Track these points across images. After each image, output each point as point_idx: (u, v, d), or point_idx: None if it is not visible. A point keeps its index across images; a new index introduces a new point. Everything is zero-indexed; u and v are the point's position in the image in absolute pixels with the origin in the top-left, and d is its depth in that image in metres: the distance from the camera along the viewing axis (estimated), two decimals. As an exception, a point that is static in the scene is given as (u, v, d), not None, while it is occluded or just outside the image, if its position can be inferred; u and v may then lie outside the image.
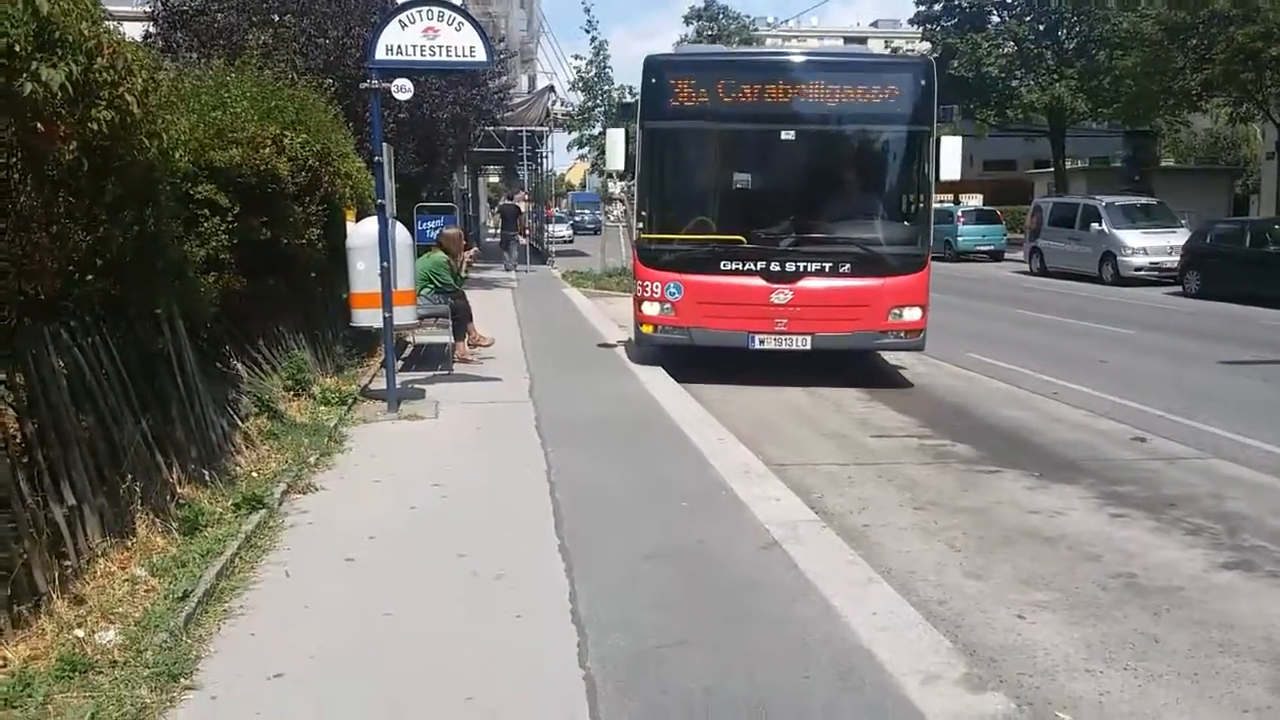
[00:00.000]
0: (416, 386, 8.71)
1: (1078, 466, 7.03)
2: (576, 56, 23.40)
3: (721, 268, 9.47)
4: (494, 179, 49.81)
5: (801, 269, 9.42)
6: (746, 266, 9.44)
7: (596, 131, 24.63)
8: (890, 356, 11.03)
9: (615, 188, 25.95)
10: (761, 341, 9.49)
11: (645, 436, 7.22)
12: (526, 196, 29.81)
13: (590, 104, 23.03)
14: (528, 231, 31.52)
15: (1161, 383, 10.24)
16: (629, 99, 25.90)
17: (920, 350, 10.09)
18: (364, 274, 7.76)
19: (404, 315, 7.97)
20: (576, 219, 57.73)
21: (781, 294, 9.39)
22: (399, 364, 8.99)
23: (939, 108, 9.64)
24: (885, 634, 3.85)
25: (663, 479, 6.10)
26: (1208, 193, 32.68)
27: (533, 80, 26.95)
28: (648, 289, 9.71)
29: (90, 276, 4.28)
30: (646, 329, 9.82)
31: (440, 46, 7.29)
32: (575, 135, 24.11)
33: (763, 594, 4.28)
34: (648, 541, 4.90)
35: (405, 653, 3.69)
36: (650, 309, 9.74)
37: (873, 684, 3.47)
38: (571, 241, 41.33)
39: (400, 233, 7.90)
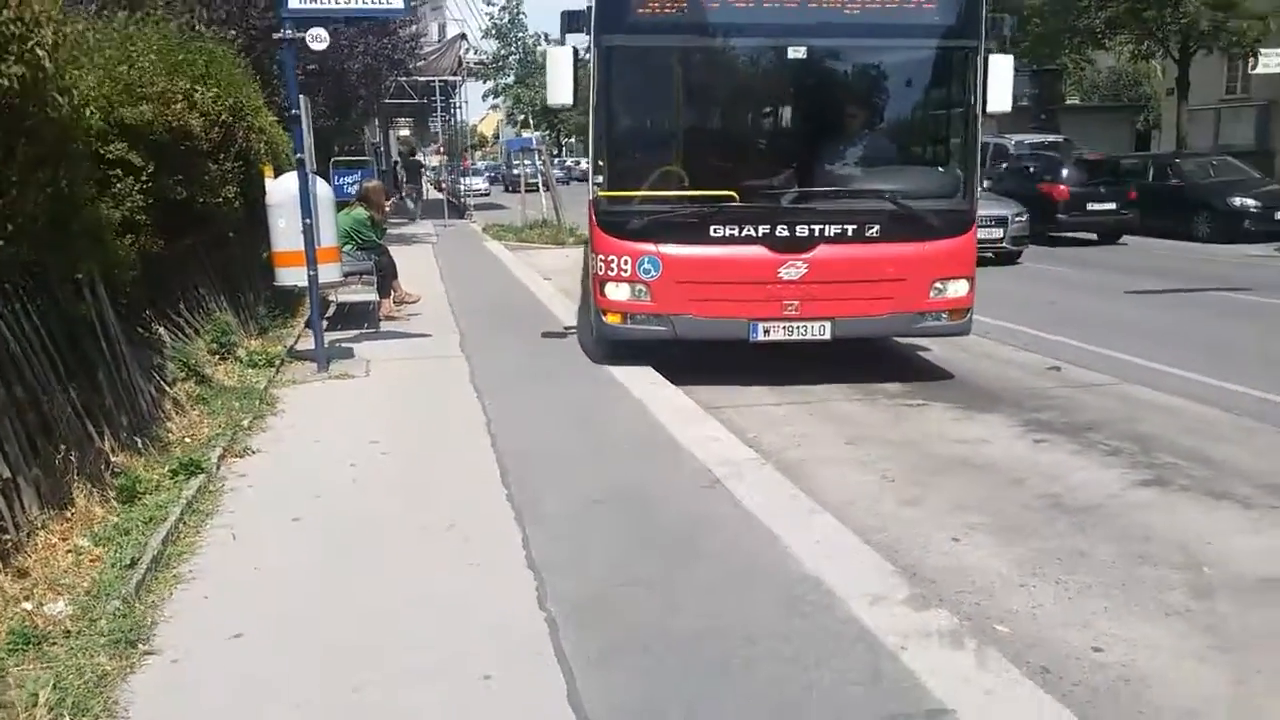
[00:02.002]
0: (344, 346, 8.61)
1: (999, 397, 7.29)
2: (489, 2, 22.90)
3: (712, 235, 7.16)
4: (404, 131, 48.80)
5: (817, 233, 7.15)
6: (745, 232, 7.14)
7: (511, 80, 24.30)
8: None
9: (532, 135, 25.52)
10: (767, 331, 7.25)
11: (580, 382, 7.28)
12: (442, 149, 29.33)
13: (505, 52, 22.64)
14: (444, 185, 31.14)
15: (1073, 313, 10.62)
16: (545, 45, 25.64)
17: (966, 334, 7.90)
18: (285, 231, 7.58)
19: (329, 273, 7.84)
20: (514, 172, 51.60)
21: (792, 267, 7.14)
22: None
23: (988, 15, 7.28)
24: (830, 561, 4.00)
25: (602, 424, 6.16)
26: (1111, 129, 33.66)
27: (443, 28, 26.35)
28: (613, 266, 7.27)
29: (2, 242, 4.13)
30: (613, 319, 7.42)
31: (355, -5, 7.11)
32: (490, 85, 23.72)
33: (709, 530, 4.39)
34: (593, 486, 4.96)
35: (364, 606, 3.70)
36: (617, 292, 7.33)
37: (822, 608, 3.61)
38: (488, 194, 40.73)
39: (321, 188, 7.74)
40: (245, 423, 5.99)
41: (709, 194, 7.22)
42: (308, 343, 8.64)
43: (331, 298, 10.14)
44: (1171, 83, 29.97)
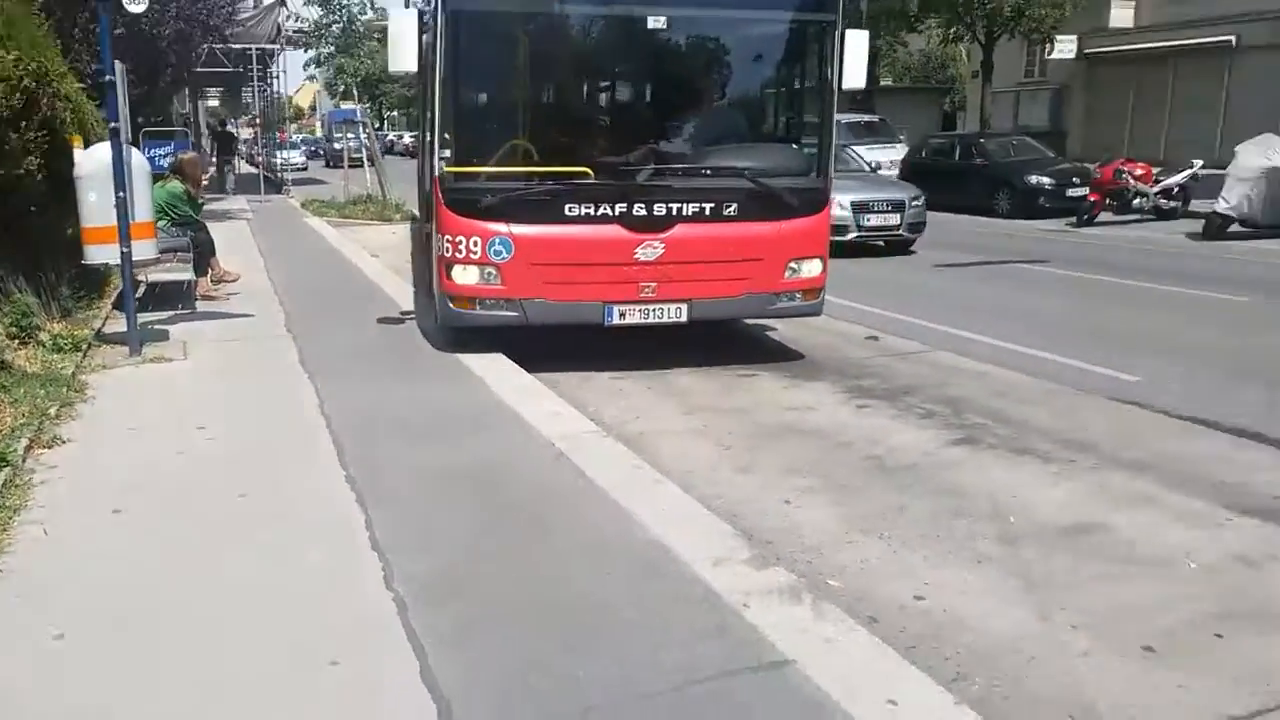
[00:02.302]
0: (158, 328, 8.15)
1: (823, 366, 7.63)
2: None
3: (566, 214, 6.83)
4: (214, 102, 46.22)
5: (675, 212, 6.92)
6: (601, 211, 6.85)
7: (332, 50, 23.38)
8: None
9: (355, 108, 24.63)
10: (623, 314, 7.00)
11: (415, 359, 7.17)
12: (259, 120, 27.99)
13: (327, 20, 21.73)
14: (260, 159, 29.81)
15: (884, 286, 11.20)
16: (370, 13, 24.75)
17: (818, 315, 7.86)
18: (96, 206, 7.09)
19: (144, 250, 7.37)
20: (334, 146, 43.63)
21: (650, 247, 6.89)
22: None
23: None
24: (675, 528, 4.12)
25: (440, 401, 6.10)
26: (921, 110, 35.44)
27: (258, -8, 25.00)
28: (461, 248, 6.85)
29: None
30: (460, 305, 7.00)
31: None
32: (312, 54, 22.76)
33: (556, 503, 4.44)
34: (436, 464, 4.92)
35: (199, 601, 3.56)
36: (465, 276, 6.91)
37: (671, 572, 3.73)
38: (306, 169, 39.12)
39: (137, 159, 7.27)
40: (52, 411, 5.60)
41: (563, 171, 6.87)
42: (116, 325, 8.14)
43: (141, 277, 9.56)
44: (976, 66, 31.83)
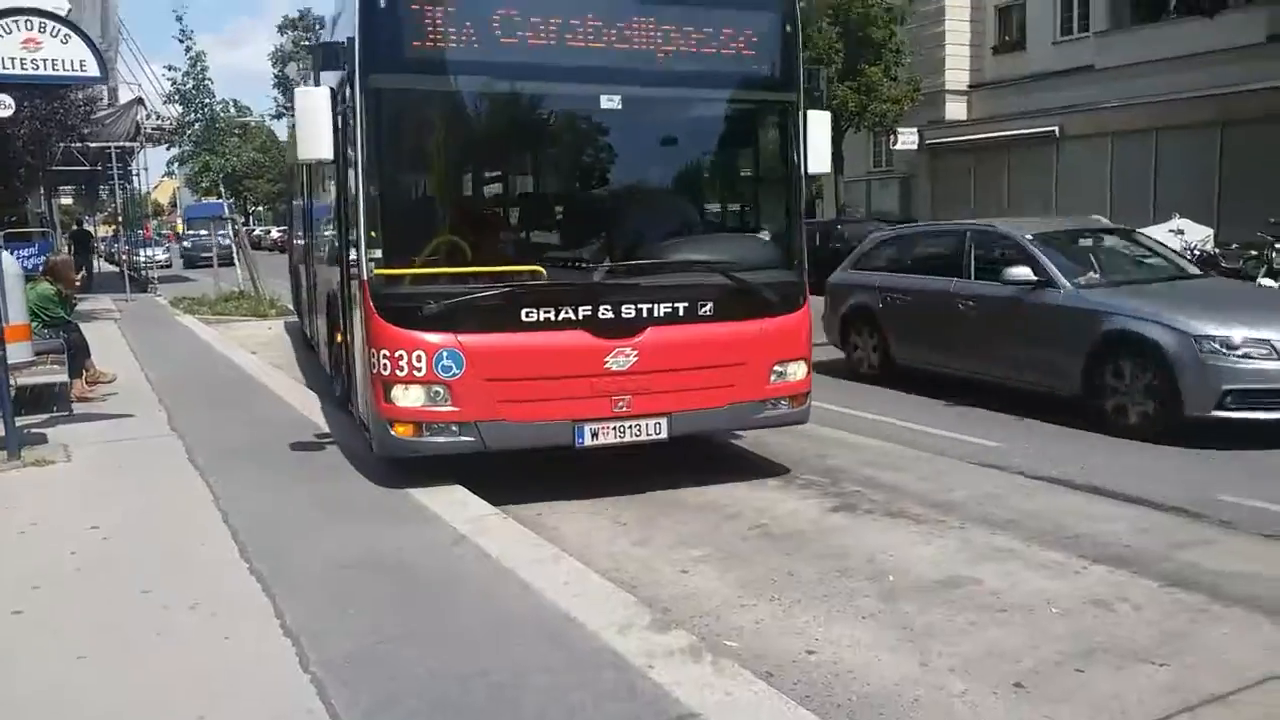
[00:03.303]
0: (35, 431, 7.96)
1: (710, 442, 7.96)
2: (169, 67, 21.80)
3: (524, 319, 5.98)
4: (66, 200, 44.86)
5: (646, 313, 6.18)
6: (563, 315, 6.02)
7: (190, 148, 23.13)
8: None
9: (222, 202, 24.31)
10: (595, 434, 6.14)
11: (305, 453, 7.18)
12: (120, 218, 27.33)
13: (190, 118, 21.59)
14: (122, 257, 29.09)
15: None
16: (228, 113, 24.66)
17: (804, 423, 7.10)
18: (-33, 309, 6.98)
19: (19, 352, 7.27)
20: (191, 241, 43.21)
21: (620, 355, 6.10)
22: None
23: (803, 66, 6.74)
24: (579, 599, 4.32)
25: (339, 493, 6.15)
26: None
27: (114, 92, 24.69)
28: (401, 363, 5.88)
29: None
30: (403, 430, 6.00)
31: (45, 60, 6.78)
32: (177, 150, 22.48)
33: (463, 583, 4.59)
34: (341, 553, 5.00)
35: (114, 690, 3.59)
36: (407, 396, 5.93)
37: (578, 640, 3.93)
38: (170, 266, 38.21)
39: (8, 261, 7.21)
40: (-67, 518, 5.47)
41: (515, 269, 6.10)
42: (-11, 430, 7.92)
43: (12, 381, 9.28)
44: (826, 158, 33.57)
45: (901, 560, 5.29)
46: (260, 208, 72.17)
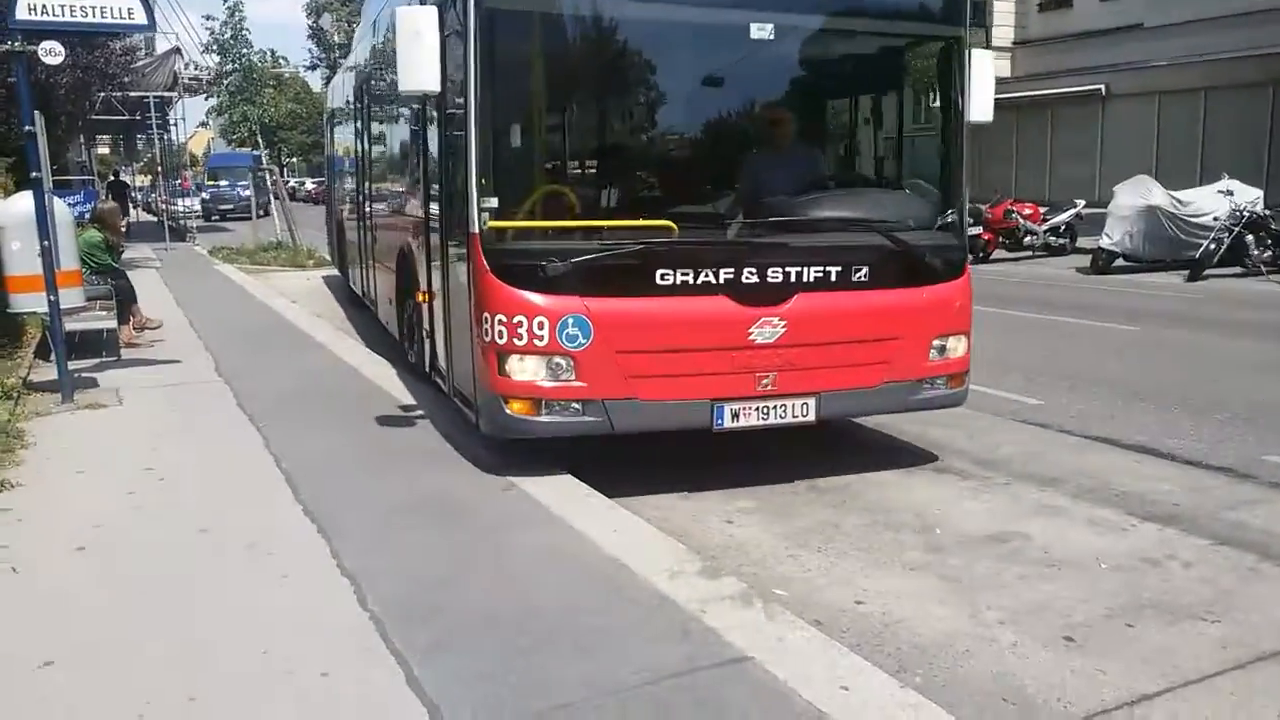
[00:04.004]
0: (86, 376, 8.09)
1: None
2: (208, 17, 21.93)
3: (659, 282, 5.23)
4: (103, 149, 45.17)
5: (795, 278, 5.43)
6: (703, 278, 5.27)
7: (225, 98, 23.20)
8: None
9: (260, 153, 24.43)
10: (736, 415, 5.42)
11: (352, 398, 7.26)
12: (159, 167, 27.55)
13: (228, 67, 21.66)
14: (162, 206, 29.32)
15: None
16: (265, 65, 24.66)
17: (960, 405, 6.28)
18: (20, 254, 7.10)
19: (71, 297, 7.39)
20: (210, 192, 39.57)
21: (767, 325, 5.35)
22: (50, 355, 8.21)
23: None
24: (630, 546, 4.36)
25: (384, 438, 6.22)
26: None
27: (151, 41, 24.74)
28: (519, 331, 5.15)
29: None
30: (519, 408, 5.26)
31: (93, 7, 6.76)
32: (215, 100, 22.59)
33: (514, 528, 4.64)
34: (390, 496, 5.07)
35: (180, 624, 3.67)
36: (525, 369, 5.21)
37: (630, 585, 3.97)
38: (205, 216, 38.40)
39: (60, 208, 7.31)
40: (-5, 457, 5.60)
41: (647, 224, 5.26)
42: (41, 374, 8.07)
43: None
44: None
45: (949, 515, 5.29)
46: (294, 159, 72.47)
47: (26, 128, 6.93)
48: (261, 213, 23.66)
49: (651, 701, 3.13)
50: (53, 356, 7.46)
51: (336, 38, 43.44)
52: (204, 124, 52.61)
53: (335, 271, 15.68)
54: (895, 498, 5.58)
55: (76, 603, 3.86)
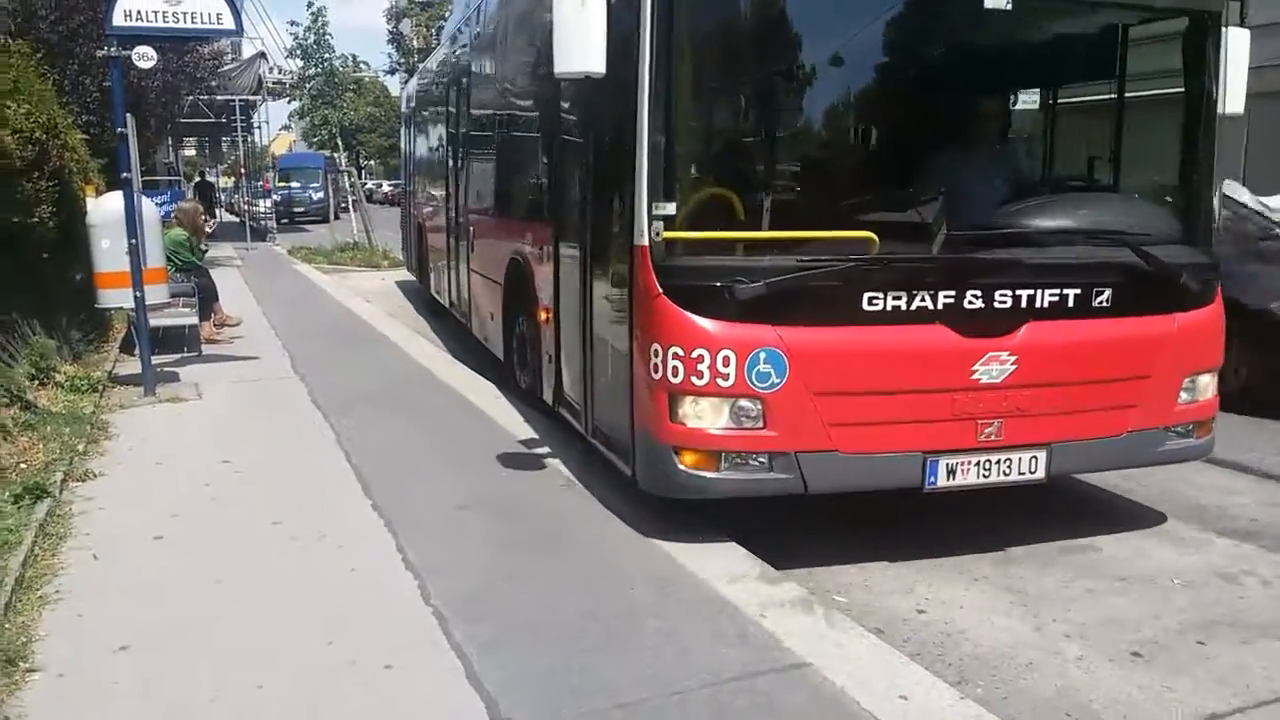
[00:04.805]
0: (167, 370, 8.36)
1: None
2: (292, 23, 22.56)
3: (866, 308, 4.33)
4: (189, 151, 46.53)
5: (1025, 303, 4.47)
6: (917, 303, 4.36)
7: (307, 101, 23.73)
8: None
9: (339, 156, 24.99)
10: (952, 471, 4.48)
11: (424, 398, 7.39)
12: (244, 169, 28.37)
13: (311, 72, 22.22)
14: (247, 206, 30.17)
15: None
16: (346, 69, 25.18)
17: (1207, 457, 5.28)
18: (109, 252, 7.36)
19: (156, 294, 7.65)
20: (281, 195, 34.58)
21: (994, 362, 4.43)
22: (134, 349, 8.49)
23: None
24: (688, 549, 4.38)
25: (453, 437, 6.32)
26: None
27: (237, 46, 25.51)
28: (698, 367, 4.25)
29: None
30: (692, 461, 4.36)
31: (185, 13, 6.99)
32: (298, 104, 23.18)
33: (572, 527, 4.69)
34: (457, 494, 5.14)
35: (250, 611, 3.79)
36: (703, 413, 4.32)
37: (689, 588, 3.99)
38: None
39: (148, 207, 7.58)
40: (80, 447, 5.82)
41: (847, 235, 4.36)
42: (125, 367, 8.38)
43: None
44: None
45: (1016, 526, 5.19)
46: (372, 162, 73.78)
47: (119, 130, 7.19)
48: (338, 214, 24.18)
49: (710, 703, 3.14)
50: (137, 351, 7.72)
51: (415, 42, 44.31)
52: (286, 127, 53.86)
53: (408, 275, 15.71)
54: (960, 506, 5.48)
55: (153, 590, 4.00)
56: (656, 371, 4.33)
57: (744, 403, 4.26)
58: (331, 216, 24.01)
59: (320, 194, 30.84)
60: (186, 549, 4.44)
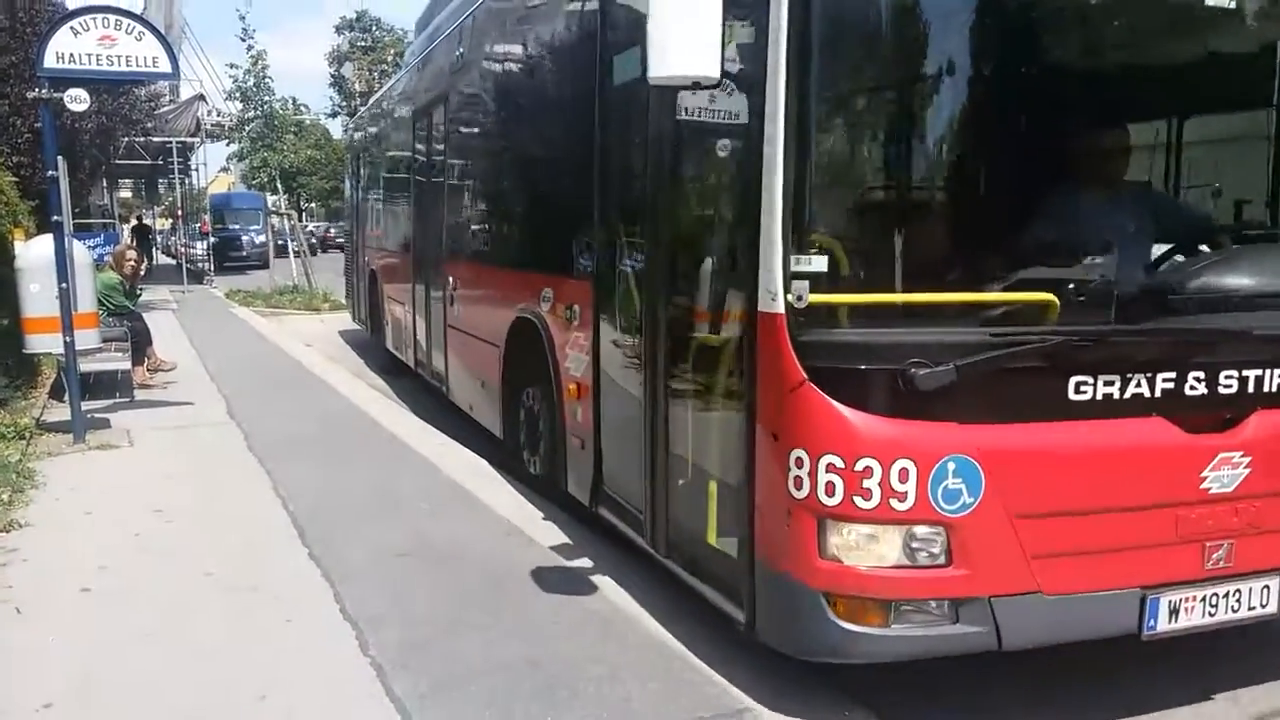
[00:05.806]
0: (99, 416, 8.16)
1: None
2: (232, 65, 22.34)
3: (1074, 397, 3.27)
4: (125, 194, 45.82)
5: (1256, 387, 3.49)
6: (1133, 389, 3.32)
7: (247, 144, 23.50)
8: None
9: (278, 198, 24.64)
10: (1174, 612, 3.42)
11: (363, 444, 7.29)
12: (180, 211, 27.97)
13: (250, 115, 22.07)
14: (184, 249, 29.76)
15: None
16: (286, 110, 24.99)
17: None
18: (38, 296, 7.20)
19: (87, 339, 7.48)
20: (223, 234, 32.87)
21: (1226, 465, 3.41)
22: (64, 395, 8.27)
23: None
24: (631, 592, 4.35)
25: (391, 483, 6.23)
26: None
27: (175, 88, 25.22)
28: (862, 484, 3.12)
29: None
30: (857, 618, 3.24)
31: (119, 56, 6.93)
32: (236, 146, 22.97)
33: (515, 577, 4.63)
34: (395, 541, 5.06)
35: (179, 669, 3.67)
36: (873, 547, 3.20)
37: (637, 641, 3.96)
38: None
39: (79, 251, 7.43)
40: (5, 496, 5.64)
41: (1024, 298, 3.30)
42: (54, 414, 8.17)
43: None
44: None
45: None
46: (313, 204, 73.14)
47: (50, 173, 7.07)
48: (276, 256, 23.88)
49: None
50: (66, 397, 7.53)
51: (357, 86, 44.22)
52: (225, 169, 53.37)
53: (349, 318, 15.12)
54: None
55: (78, 646, 3.86)
56: (800, 488, 3.20)
57: (924, 530, 3.18)
58: (270, 259, 23.63)
59: (261, 236, 29.98)
60: (115, 602, 4.30)
